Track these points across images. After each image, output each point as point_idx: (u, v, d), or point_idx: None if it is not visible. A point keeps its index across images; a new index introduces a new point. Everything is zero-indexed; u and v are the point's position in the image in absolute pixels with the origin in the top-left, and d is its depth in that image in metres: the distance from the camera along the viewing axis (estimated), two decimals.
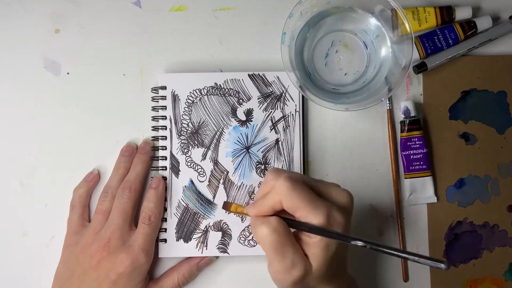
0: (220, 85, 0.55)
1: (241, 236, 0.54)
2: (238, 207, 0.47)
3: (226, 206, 0.49)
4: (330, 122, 0.57)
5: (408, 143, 0.55)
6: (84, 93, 0.57)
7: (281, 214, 0.43)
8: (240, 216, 0.54)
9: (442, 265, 0.36)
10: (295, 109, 0.55)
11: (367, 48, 0.55)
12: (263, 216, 0.43)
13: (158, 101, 0.56)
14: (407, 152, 0.55)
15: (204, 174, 0.55)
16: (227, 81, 0.55)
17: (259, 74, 0.55)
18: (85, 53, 0.57)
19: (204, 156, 0.55)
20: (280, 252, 0.42)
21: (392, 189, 0.56)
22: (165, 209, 0.54)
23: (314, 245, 0.42)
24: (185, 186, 0.55)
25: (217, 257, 0.55)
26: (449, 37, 0.56)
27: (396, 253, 0.40)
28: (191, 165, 0.55)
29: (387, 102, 0.56)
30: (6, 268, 0.55)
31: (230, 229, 0.54)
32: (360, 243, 0.40)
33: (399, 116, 0.57)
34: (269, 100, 0.55)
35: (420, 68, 0.55)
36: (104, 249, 0.50)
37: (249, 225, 0.54)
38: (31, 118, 0.57)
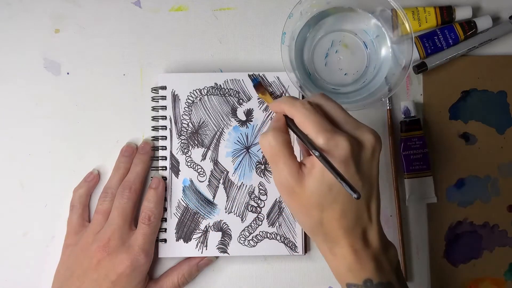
0: (220, 85, 0.55)
1: (241, 236, 0.54)
2: (266, 95, 0.52)
3: (259, 88, 0.54)
4: None
5: (408, 143, 0.55)
6: (84, 93, 0.57)
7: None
8: (240, 216, 0.54)
9: (354, 195, 0.38)
10: None
11: (367, 48, 0.55)
12: (276, 120, 0.45)
13: (158, 101, 0.56)
14: (407, 152, 0.55)
15: (204, 174, 0.55)
16: (227, 81, 0.55)
17: (259, 74, 0.55)
18: (85, 53, 0.57)
19: (204, 156, 0.55)
20: (272, 161, 0.44)
21: (392, 189, 0.56)
22: (165, 209, 0.54)
23: (309, 161, 0.43)
24: (185, 186, 0.55)
25: (217, 257, 0.55)
26: (449, 37, 0.56)
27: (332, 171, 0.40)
28: (191, 165, 0.55)
29: (387, 102, 0.56)
30: (6, 268, 0.55)
31: (230, 229, 0.54)
32: (316, 153, 0.41)
33: (399, 116, 0.56)
34: None
35: (420, 68, 0.55)
36: (104, 249, 0.50)
37: (249, 225, 0.54)
38: (31, 118, 0.57)
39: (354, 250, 0.43)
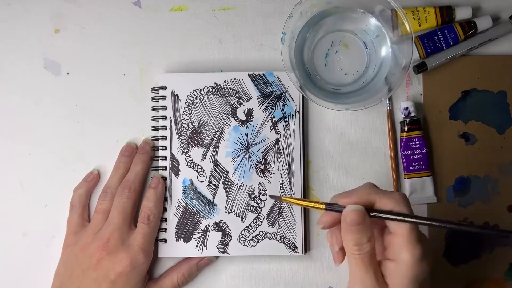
0: (220, 85, 0.55)
1: (241, 236, 0.54)
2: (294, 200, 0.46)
3: (275, 198, 0.50)
4: (330, 122, 0.57)
5: (408, 143, 0.55)
6: (84, 93, 0.57)
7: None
8: (240, 216, 0.54)
9: None
10: (295, 109, 0.55)
11: (367, 48, 0.55)
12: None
13: (158, 101, 0.56)
14: (407, 152, 0.55)
15: (204, 174, 0.55)
16: (227, 81, 0.55)
17: (259, 74, 0.55)
18: (85, 53, 0.57)
19: (204, 156, 0.55)
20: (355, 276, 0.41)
21: (392, 189, 0.56)
22: (165, 209, 0.54)
23: (397, 273, 0.41)
24: (185, 186, 0.55)
25: (217, 257, 0.55)
26: (449, 37, 0.56)
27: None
28: (191, 165, 0.55)
29: (387, 102, 0.56)
30: (6, 268, 0.55)
31: (230, 229, 0.54)
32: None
33: (399, 116, 0.56)
34: (269, 100, 0.55)
35: (420, 68, 0.55)
36: (104, 248, 0.50)
37: (249, 225, 0.54)
38: (31, 118, 0.57)
39: None
